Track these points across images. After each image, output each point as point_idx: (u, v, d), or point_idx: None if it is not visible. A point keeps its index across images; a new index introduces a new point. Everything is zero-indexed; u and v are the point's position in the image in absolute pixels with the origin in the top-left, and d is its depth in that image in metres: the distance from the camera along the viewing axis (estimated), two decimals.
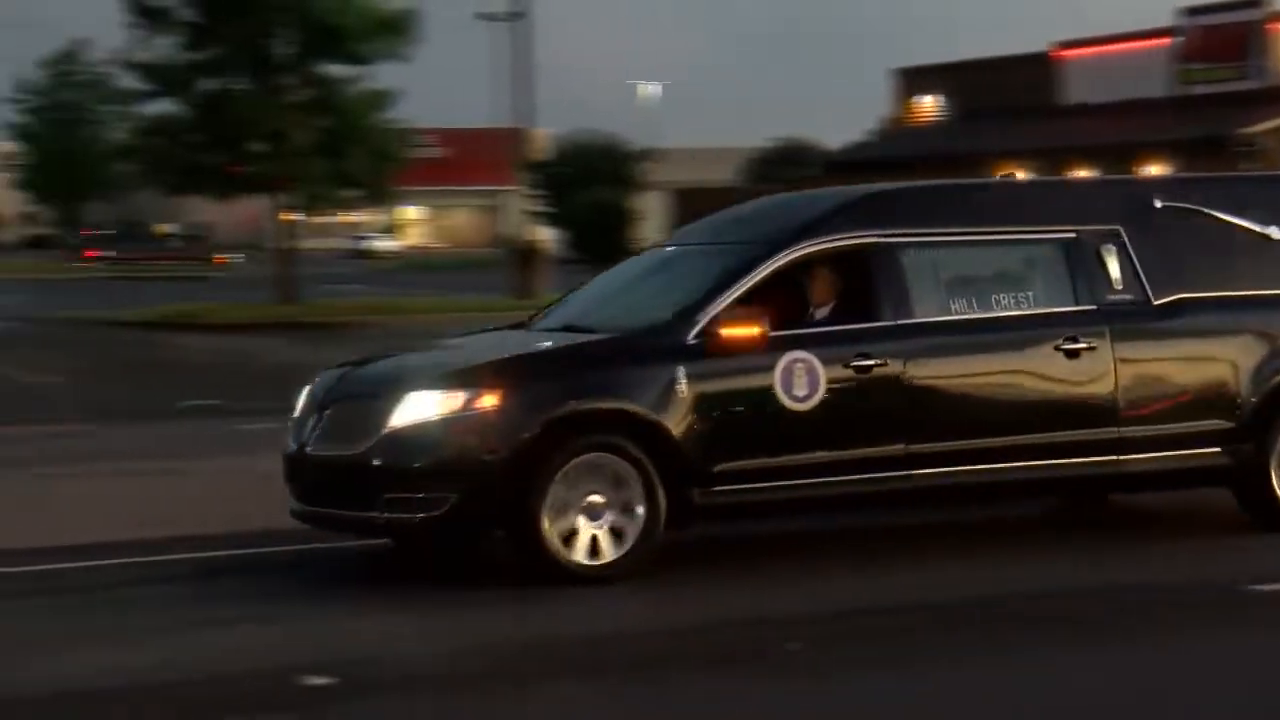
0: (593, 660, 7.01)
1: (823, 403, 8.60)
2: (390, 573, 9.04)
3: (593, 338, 8.89)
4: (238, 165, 34.16)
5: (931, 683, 6.61)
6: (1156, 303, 9.39)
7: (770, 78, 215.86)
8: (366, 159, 34.32)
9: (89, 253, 67.80)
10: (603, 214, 69.30)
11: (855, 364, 8.72)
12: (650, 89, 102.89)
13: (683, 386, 8.39)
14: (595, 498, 8.27)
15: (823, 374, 8.62)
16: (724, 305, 8.62)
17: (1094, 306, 9.29)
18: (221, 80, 34.25)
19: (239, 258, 65.81)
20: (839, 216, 9.25)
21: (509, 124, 40.89)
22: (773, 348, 8.58)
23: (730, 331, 8.53)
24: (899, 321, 8.90)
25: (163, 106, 35.37)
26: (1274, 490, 9.39)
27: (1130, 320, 9.31)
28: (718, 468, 8.45)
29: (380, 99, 34.40)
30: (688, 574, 8.56)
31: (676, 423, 8.36)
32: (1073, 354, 9.12)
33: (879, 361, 8.75)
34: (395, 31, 33.61)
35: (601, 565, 8.26)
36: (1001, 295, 9.21)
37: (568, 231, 73.45)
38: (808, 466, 8.63)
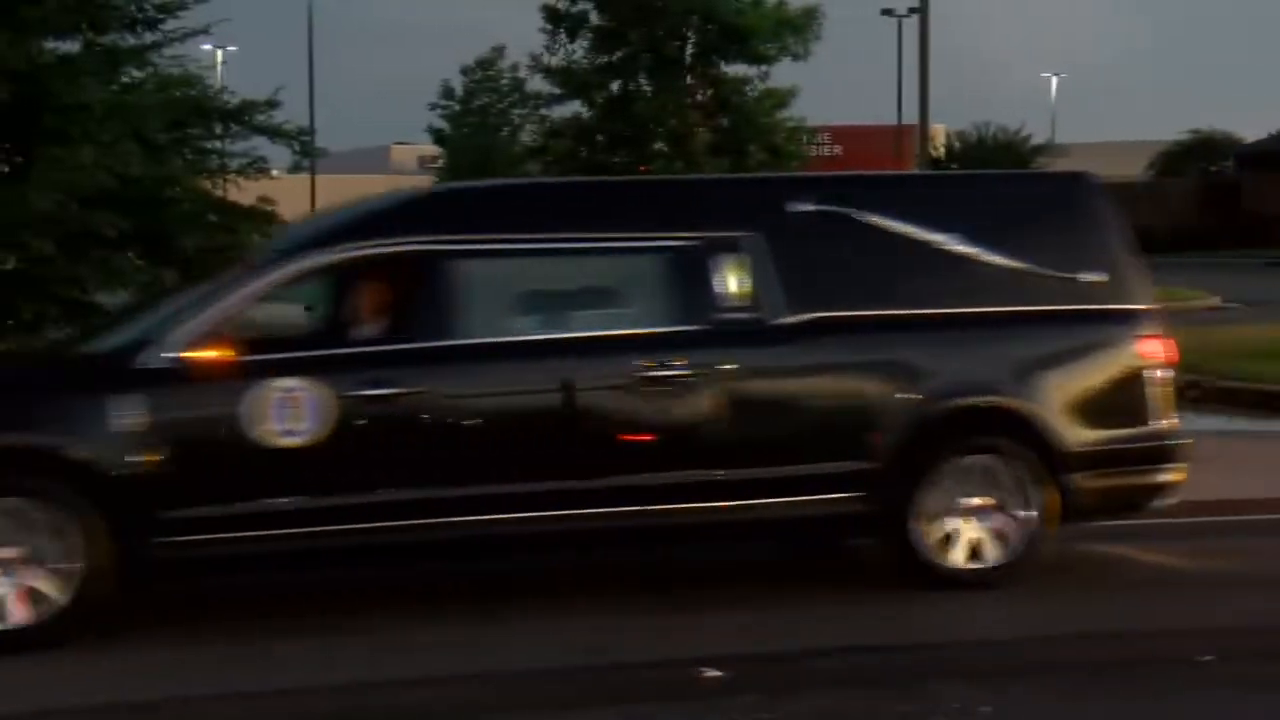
0: None
1: (320, 440, 7.26)
2: None
3: (19, 363, 7.81)
4: (644, 165, 35.14)
5: None
6: (782, 323, 7.92)
7: (1191, 66, 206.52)
8: (765, 157, 34.71)
9: None
10: None
11: (365, 394, 7.35)
12: (1052, 80, 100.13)
13: (131, 420, 7.10)
14: (5, 552, 6.98)
15: (321, 406, 7.26)
16: (199, 323, 7.31)
17: (699, 327, 7.84)
18: (625, 82, 35.26)
19: None
20: (382, 220, 7.93)
21: (904, 120, 40.53)
22: (257, 373, 7.25)
23: (198, 354, 7.22)
24: (433, 344, 7.53)
25: (571, 109, 36.69)
26: (912, 541, 8.01)
27: (744, 344, 7.87)
28: (182, 514, 7.15)
29: (779, 97, 34.67)
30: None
31: (125, 462, 7.08)
32: (661, 382, 7.68)
33: (400, 391, 7.38)
34: (798, 30, 33.82)
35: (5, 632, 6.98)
36: (579, 313, 7.91)
37: None
38: (298, 513, 7.27)
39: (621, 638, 7.45)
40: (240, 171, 17.40)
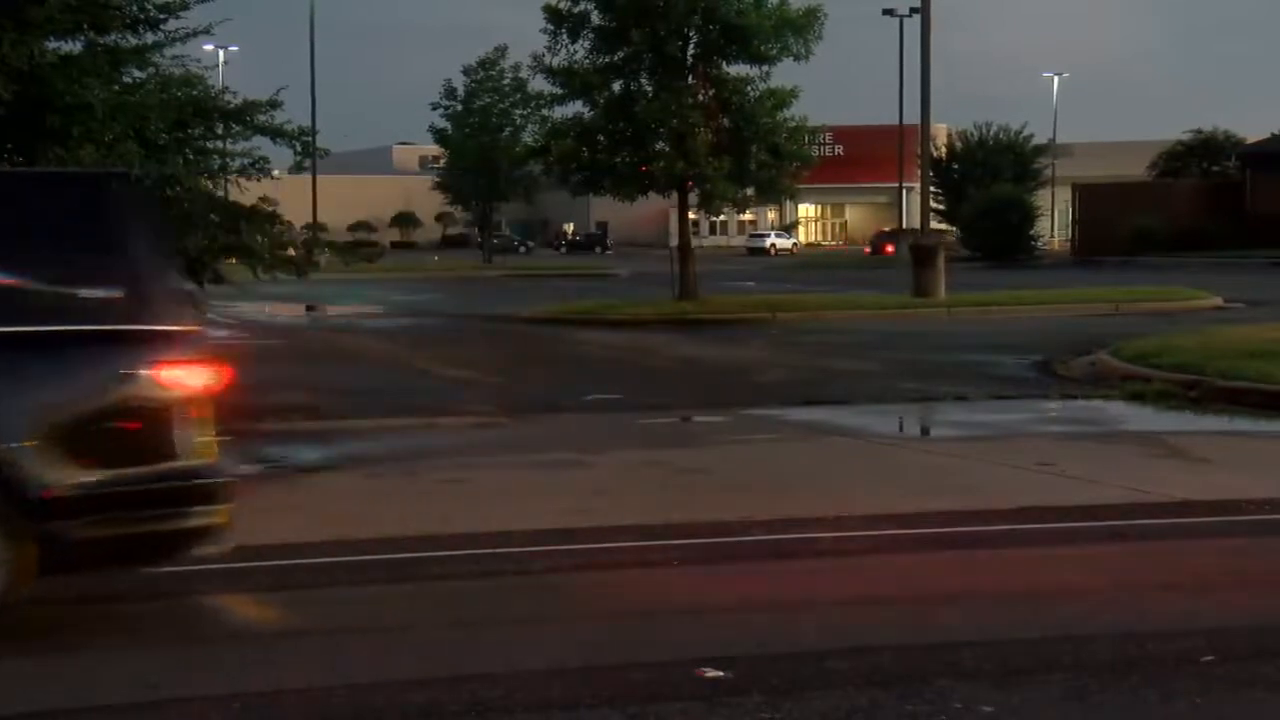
0: None
1: None
2: None
3: None
4: (645, 165, 35.06)
5: None
6: None
7: (1193, 66, 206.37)
8: (767, 157, 34.65)
9: (887, 248, 75.12)
10: (1002, 210, 67.83)
11: None
12: (1055, 80, 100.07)
13: None
14: None
15: None
16: None
17: None
18: (627, 82, 35.21)
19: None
20: None
21: (906, 120, 40.59)
22: None
23: None
24: None
25: (573, 109, 36.63)
26: None
27: None
28: None
29: (780, 97, 34.61)
30: None
31: None
32: None
33: None
34: (800, 30, 33.76)
35: None
36: None
37: (965, 228, 72.22)
38: None
39: (624, 637, 7.45)
40: (241, 172, 17.42)
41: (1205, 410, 16.35)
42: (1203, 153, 77.99)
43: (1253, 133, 75.87)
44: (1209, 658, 6.91)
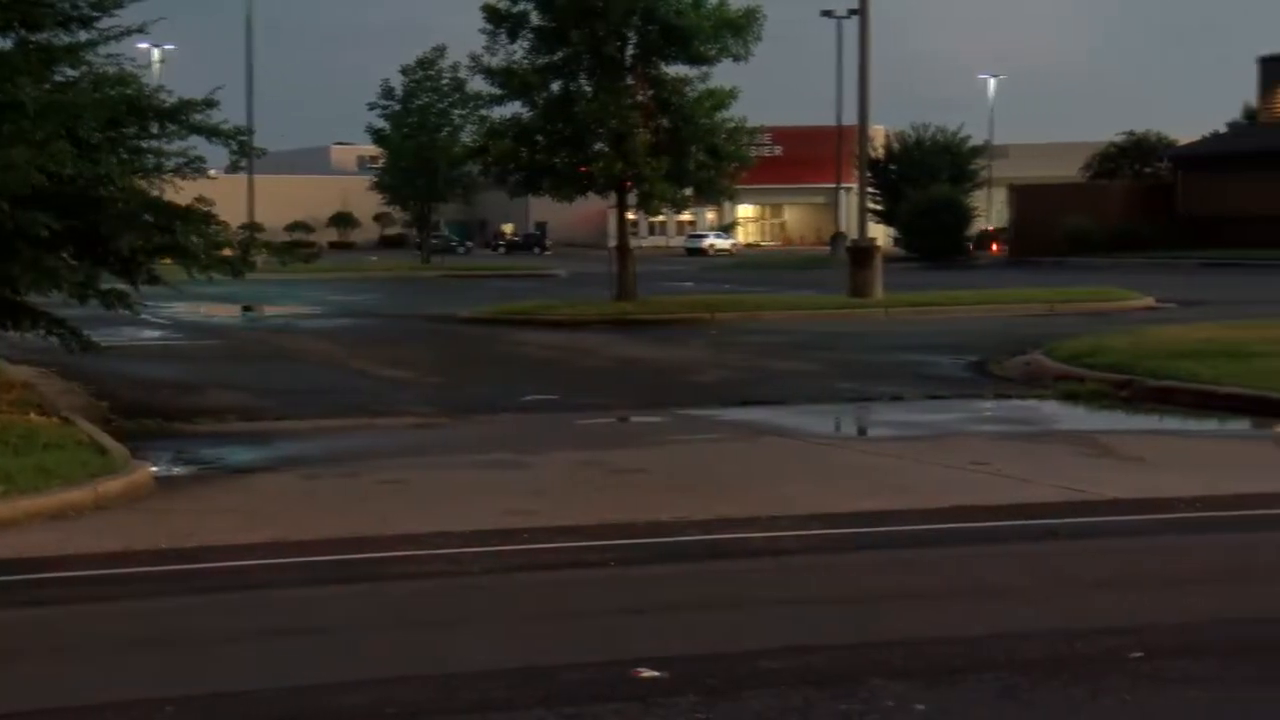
0: None
1: None
2: None
3: None
4: (585, 166, 35.02)
5: None
6: None
7: (1126, 69, 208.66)
8: (706, 158, 34.71)
9: (995, 247, 73.86)
10: (938, 211, 68.30)
11: None
12: (991, 82, 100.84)
13: None
14: None
15: None
16: None
17: None
18: (566, 83, 35.18)
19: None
20: None
21: (844, 121, 40.79)
22: None
23: None
24: None
25: (511, 109, 36.54)
26: None
27: None
28: None
29: (719, 98, 34.69)
30: None
31: None
32: None
33: None
34: (739, 31, 33.84)
35: None
36: None
37: (903, 229, 72.66)
38: None
39: (561, 638, 7.46)
40: (177, 171, 17.24)
41: (1137, 409, 16.55)
42: (1135, 154, 78.81)
43: (1184, 134, 76.82)
44: (1138, 655, 7.00)
